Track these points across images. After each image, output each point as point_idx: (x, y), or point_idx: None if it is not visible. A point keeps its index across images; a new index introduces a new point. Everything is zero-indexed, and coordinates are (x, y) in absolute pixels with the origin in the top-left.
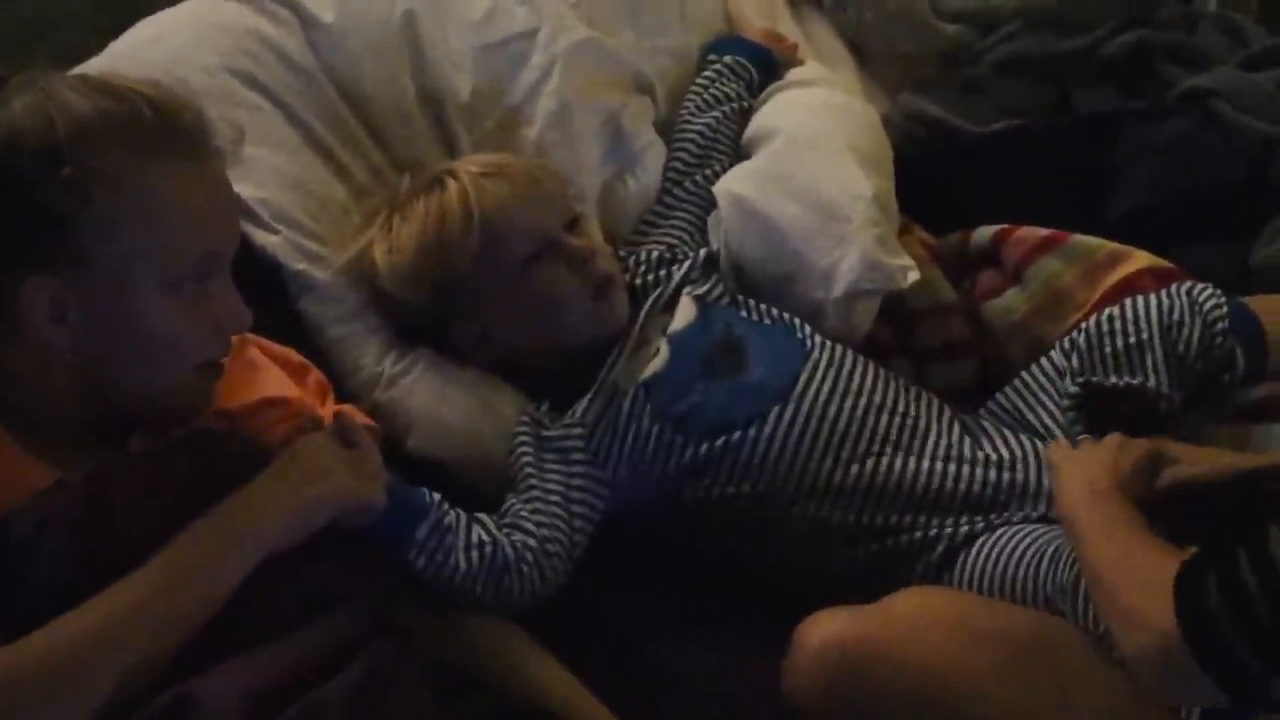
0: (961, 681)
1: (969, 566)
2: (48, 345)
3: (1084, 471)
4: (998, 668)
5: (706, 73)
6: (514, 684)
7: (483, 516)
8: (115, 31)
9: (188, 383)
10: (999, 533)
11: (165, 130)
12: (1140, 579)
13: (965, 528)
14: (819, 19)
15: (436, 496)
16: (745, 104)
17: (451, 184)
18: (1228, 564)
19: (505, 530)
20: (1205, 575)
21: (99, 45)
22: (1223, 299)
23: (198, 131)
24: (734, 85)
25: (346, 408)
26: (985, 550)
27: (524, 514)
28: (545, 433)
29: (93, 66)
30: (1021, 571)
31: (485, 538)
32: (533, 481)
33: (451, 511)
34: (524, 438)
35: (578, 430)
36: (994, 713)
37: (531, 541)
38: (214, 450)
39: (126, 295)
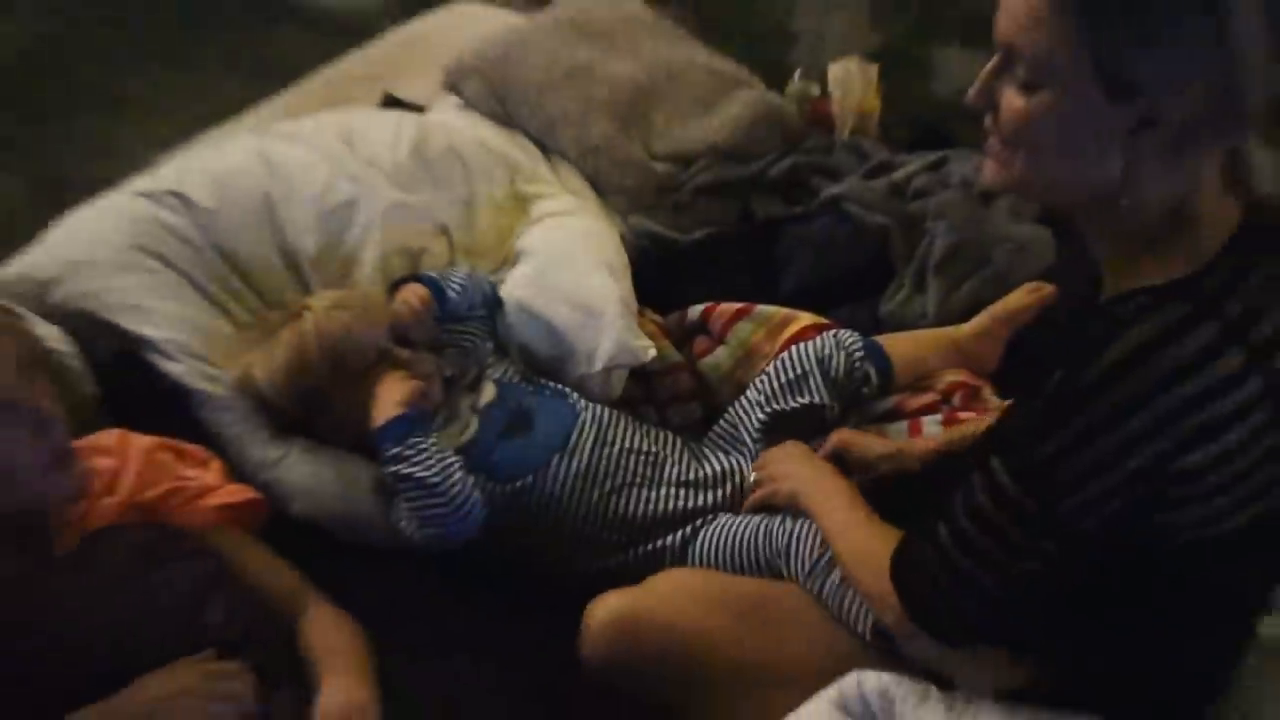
0: (701, 638)
1: (702, 550)
2: None
3: (790, 464)
4: (727, 625)
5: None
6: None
7: None
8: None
9: (46, 484)
10: (719, 521)
11: None
12: (870, 568)
13: (693, 518)
14: (566, 165)
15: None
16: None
17: (307, 317)
18: (923, 550)
19: None
20: (913, 566)
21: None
22: (859, 338)
23: None
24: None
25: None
26: (712, 536)
27: None
28: None
29: (22, 259)
30: (744, 547)
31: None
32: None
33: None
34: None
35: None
36: (729, 654)
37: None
38: (128, 537)
39: None
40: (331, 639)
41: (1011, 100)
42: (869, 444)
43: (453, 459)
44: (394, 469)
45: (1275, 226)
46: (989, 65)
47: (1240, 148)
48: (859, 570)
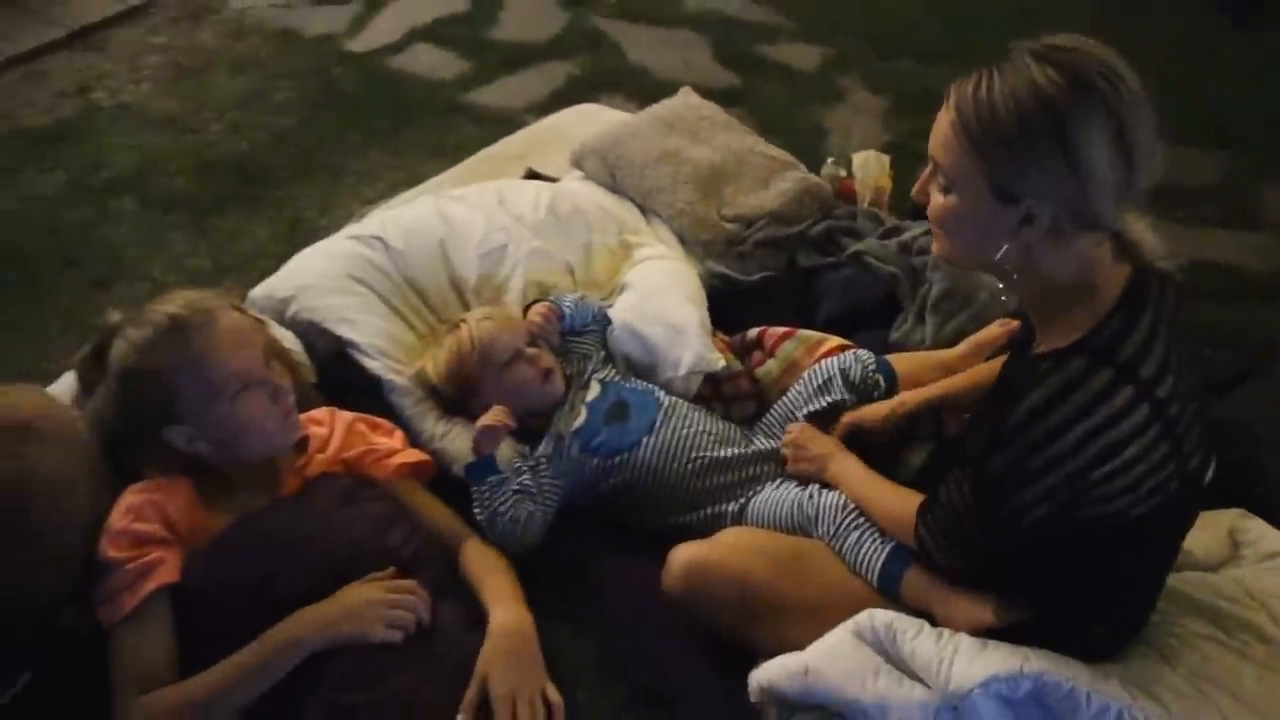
0: (753, 580)
1: (753, 513)
2: (201, 456)
3: (814, 446)
4: (773, 571)
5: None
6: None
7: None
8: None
9: (278, 435)
10: (765, 492)
11: (181, 328)
12: (898, 520)
13: (750, 487)
14: (659, 223)
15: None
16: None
17: (464, 326)
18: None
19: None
20: (928, 522)
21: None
22: (872, 356)
23: (200, 317)
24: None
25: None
26: (760, 503)
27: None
28: (529, 462)
29: (269, 281)
30: (783, 514)
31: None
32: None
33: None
34: (519, 464)
35: (532, 462)
36: (774, 594)
37: (536, 512)
38: (335, 482)
39: (212, 416)
40: (485, 564)
41: (936, 198)
42: (873, 413)
43: (515, 496)
44: (476, 500)
45: (1155, 283)
46: (925, 172)
47: (1122, 228)
48: (888, 520)
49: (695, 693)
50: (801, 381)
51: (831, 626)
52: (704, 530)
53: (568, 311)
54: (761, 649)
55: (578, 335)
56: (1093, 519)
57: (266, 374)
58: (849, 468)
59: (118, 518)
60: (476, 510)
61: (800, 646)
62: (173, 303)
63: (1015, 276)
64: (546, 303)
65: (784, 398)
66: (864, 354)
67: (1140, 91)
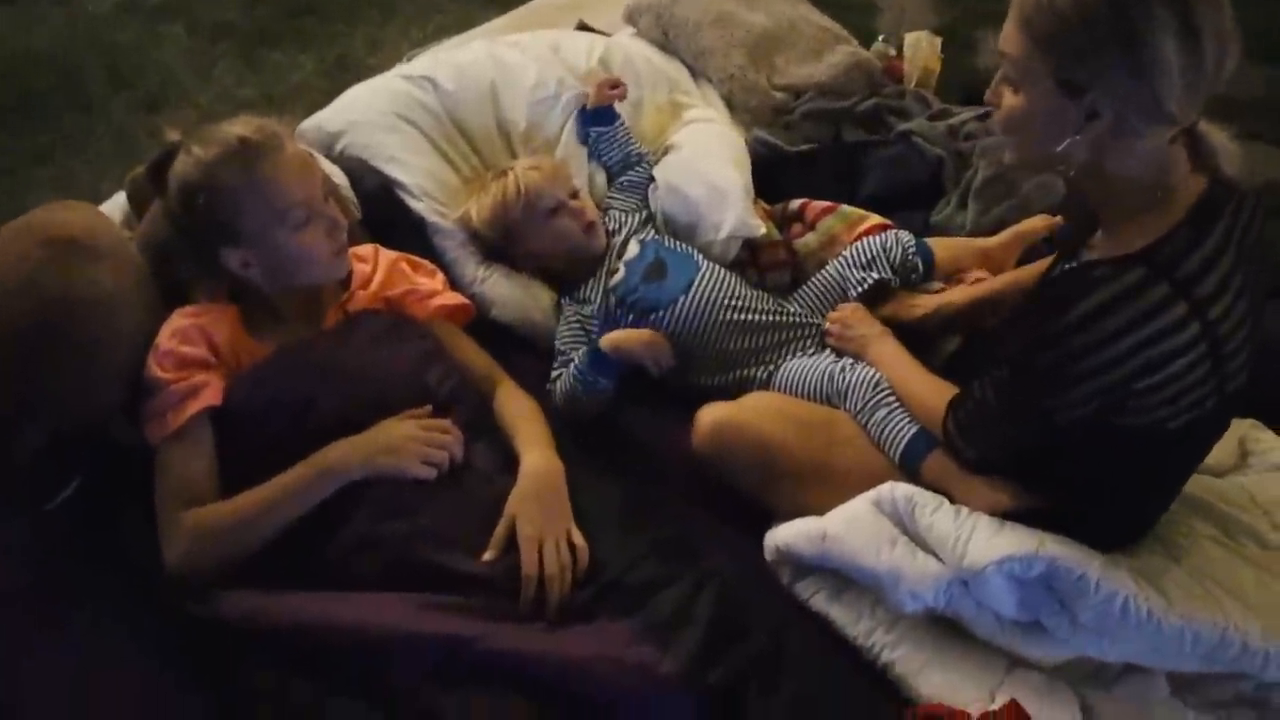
0: (778, 443)
1: (782, 380)
2: (250, 282)
3: (859, 324)
4: (798, 436)
5: (623, 129)
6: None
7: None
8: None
9: (330, 267)
10: (794, 361)
11: (250, 150)
12: (928, 405)
13: (779, 353)
14: (709, 86)
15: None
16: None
17: (510, 174)
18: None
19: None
20: (960, 413)
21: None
22: (913, 237)
23: (270, 141)
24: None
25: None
26: (790, 371)
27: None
28: (580, 306)
29: (320, 114)
30: (813, 384)
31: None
32: (578, 332)
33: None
34: (570, 310)
35: (589, 308)
36: (797, 459)
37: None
38: (376, 319)
39: (272, 241)
40: (519, 409)
41: (1006, 98)
42: (913, 308)
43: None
44: (572, 378)
45: (1229, 197)
46: (999, 73)
47: (1200, 134)
48: (919, 408)
49: (715, 546)
50: (843, 257)
51: (851, 496)
52: (731, 393)
53: (618, 127)
54: (780, 511)
55: (621, 191)
56: (1126, 427)
57: (325, 207)
58: (889, 351)
59: (165, 339)
60: (557, 389)
61: (819, 512)
62: (240, 125)
63: (1085, 178)
64: (617, 89)
65: (823, 271)
66: (904, 235)
67: None
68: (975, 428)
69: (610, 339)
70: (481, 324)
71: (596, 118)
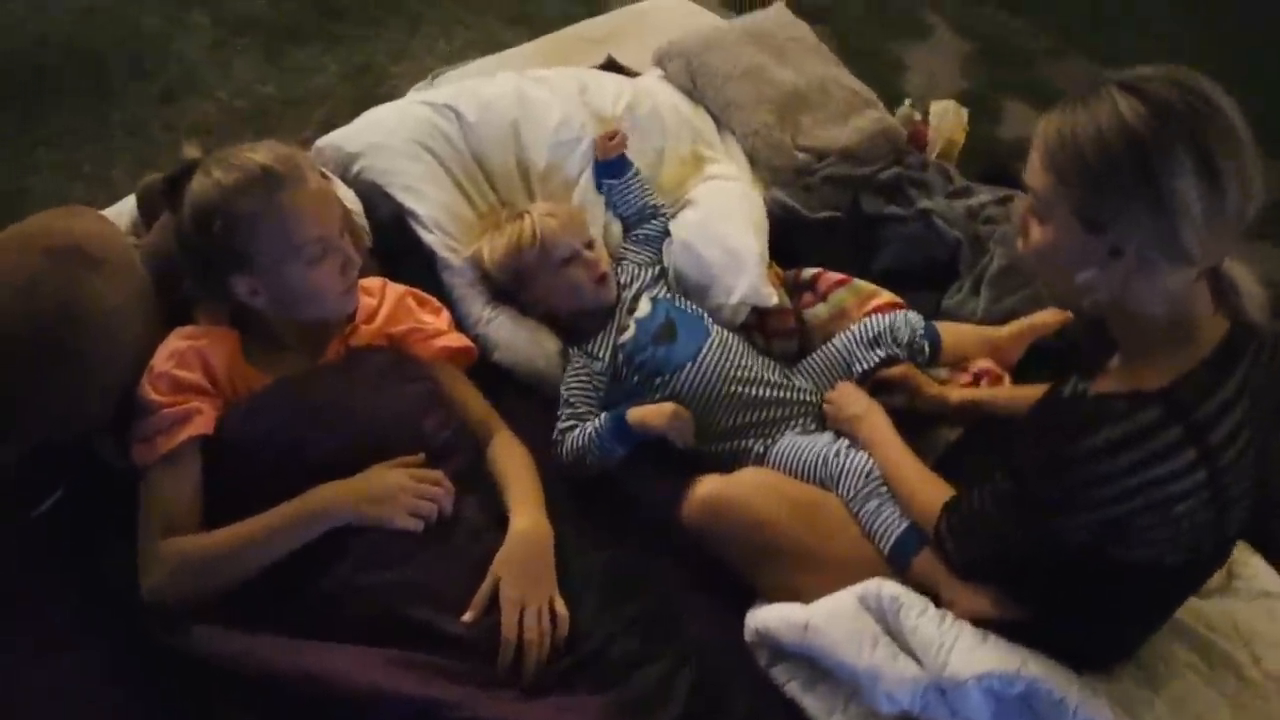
0: (768, 522)
1: (779, 456)
2: (255, 309)
3: (856, 404)
4: (789, 517)
5: (637, 181)
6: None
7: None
8: (359, 107)
9: (338, 304)
10: (792, 438)
11: (272, 181)
12: (919, 502)
13: (779, 428)
14: (732, 140)
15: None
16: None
17: (527, 218)
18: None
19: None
20: (955, 517)
21: (350, 115)
22: (922, 319)
23: (294, 174)
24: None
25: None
26: (787, 448)
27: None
28: (591, 361)
29: (339, 132)
30: (807, 465)
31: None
32: (587, 387)
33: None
34: (579, 361)
35: (599, 364)
36: (787, 540)
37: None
38: (378, 357)
39: (283, 274)
40: (512, 462)
41: (1033, 230)
42: (924, 382)
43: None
44: (581, 442)
45: (1250, 343)
46: (1024, 204)
47: (1225, 275)
48: (907, 498)
49: (699, 618)
50: (851, 333)
51: (838, 583)
52: (727, 461)
53: (631, 179)
54: (766, 590)
55: (635, 244)
56: (1122, 558)
57: (342, 243)
58: (882, 435)
59: (161, 360)
60: (565, 443)
61: (804, 596)
62: (263, 152)
63: (1108, 310)
64: (622, 142)
65: (830, 344)
66: (914, 317)
67: (1234, 119)
68: (969, 536)
69: (638, 415)
70: (483, 366)
71: (608, 170)
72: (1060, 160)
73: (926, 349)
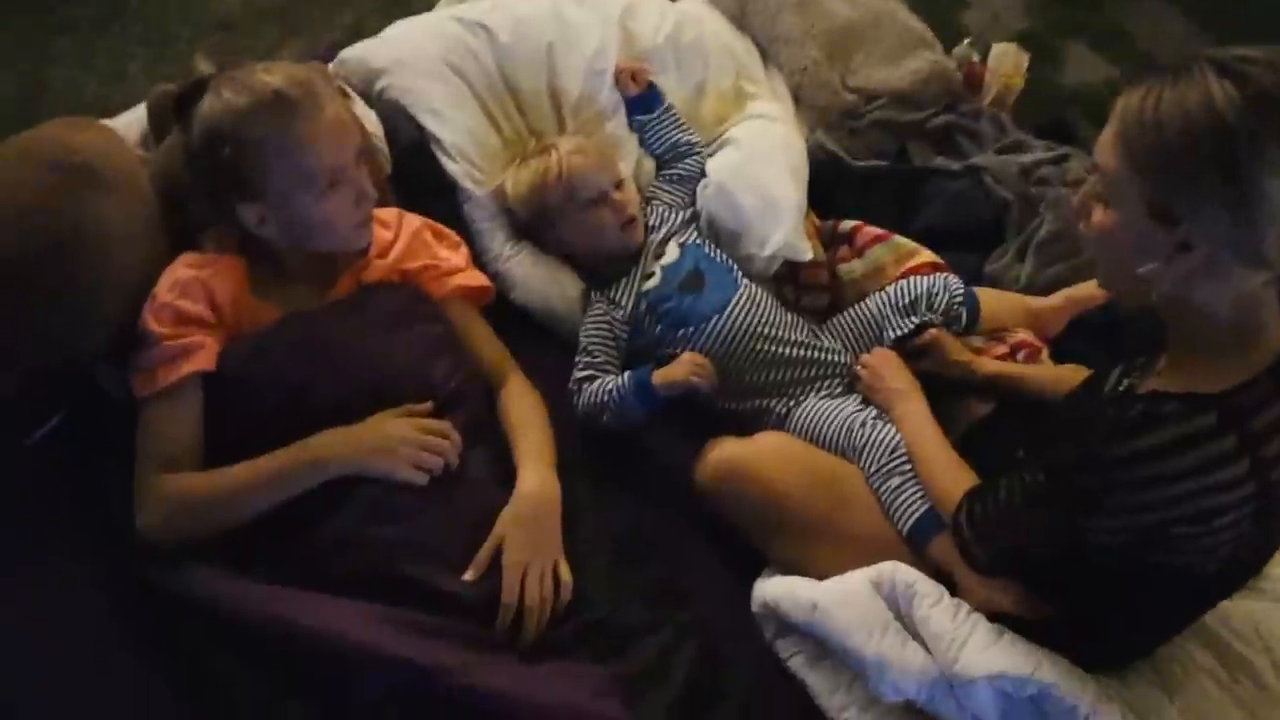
0: (784, 490)
1: (800, 420)
2: (263, 238)
3: (890, 376)
4: (806, 486)
5: (670, 116)
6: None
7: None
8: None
9: (351, 237)
10: (816, 402)
11: (285, 106)
12: (945, 491)
13: (803, 389)
14: (777, 75)
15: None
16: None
17: (553, 154)
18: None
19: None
20: (978, 508)
21: (379, 24)
22: (962, 285)
23: (309, 99)
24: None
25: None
26: (809, 412)
27: (604, 367)
28: (612, 308)
29: (365, 44)
30: (829, 432)
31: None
32: (607, 335)
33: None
34: (600, 307)
35: (620, 313)
36: (802, 512)
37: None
38: (390, 295)
39: (293, 204)
40: (524, 412)
41: (1095, 212)
42: (953, 347)
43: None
44: (600, 400)
45: None
46: (1090, 184)
47: None
48: (932, 486)
49: (706, 585)
50: (885, 295)
51: (852, 559)
52: (747, 420)
53: (664, 114)
54: (777, 560)
55: (668, 183)
56: (1154, 564)
57: (357, 174)
58: (916, 414)
59: (164, 289)
60: (582, 395)
61: (815, 569)
62: (278, 74)
63: (1167, 306)
64: (646, 70)
65: (863, 304)
66: (953, 282)
67: None
68: (992, 530)
69: (665, 375)
70: (501, 304)
71: (638, 104)
72: (1137, 142)
73: (964, 316)
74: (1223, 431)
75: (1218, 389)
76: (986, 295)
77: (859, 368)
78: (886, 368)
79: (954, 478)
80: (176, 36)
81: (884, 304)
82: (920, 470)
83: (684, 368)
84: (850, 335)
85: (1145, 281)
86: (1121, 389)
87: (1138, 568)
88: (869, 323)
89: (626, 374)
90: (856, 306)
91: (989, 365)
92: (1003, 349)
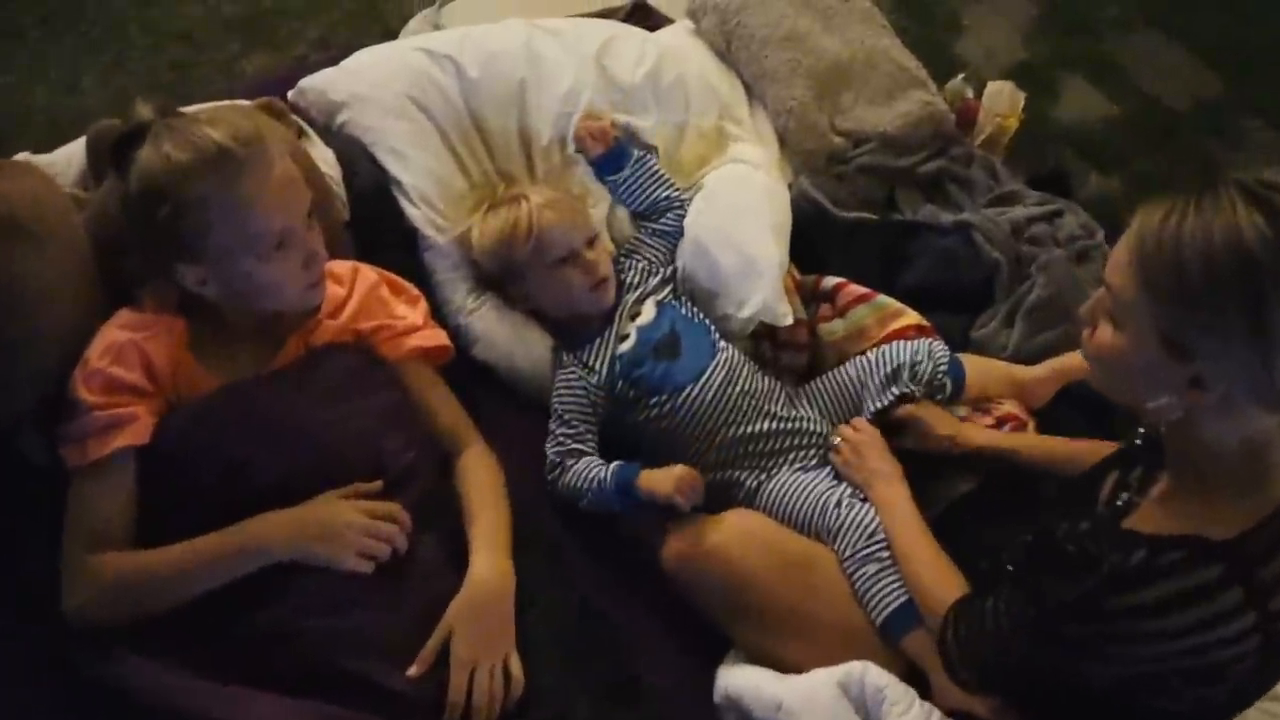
0: (753, 575)
1: (772, 496)
2: (205, 299)
3: (871, 457)
4: (775, 571)
5: (645, 170)
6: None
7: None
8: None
9: (298, 299)
10: (788, 476)
11: (229, 164)
12: (930, 594)
13: (776, 461)
14: (762, 115)
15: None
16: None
17: (525, 205)
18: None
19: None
20: (963, 624)
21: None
22: (947, 353)
23: (254, 156)
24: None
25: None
26: (781, 488)
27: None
28: (586, 373)
29: (326, 75)
30: (800, 512)
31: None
32: (583, 401)
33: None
34: (574, 371)
35: (595, 378)
36: (771, 601)
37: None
38: (340, 360)
39: (236, 267)
40: (481, 486)
41: (1102, 330)
42: (936, 422)
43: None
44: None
45: None
46: (1099, 298)
47: None
48: (914, 584)
49: (663, 684)
50: (866, 360)
51: (821, 650)
52: (717, 492)
53: (637, 171)
54: (743, 646)
55: (653, 235)
56: (1148, 707)
57: (308, 235)
58: (897, 501)
59: (96, 355)
60: (563, 475)
61: (783, 658)
62: (222, 127)
63: (1172, 434)
64: (608, 128)
65: (843, 370)
66: (938, 350)
67: None
68: (975, 649)
69: (650, 484)
70: (462, 360)
71: (605, 166)
72: (1154, 268)
73: (948, 386)
74: (1229, 584)
75: (1222, 534)
76: (972, 364)
77: (838, 441)
78: (868, 447)
79: (937, 577)
80: (134, 46)
81: (864, 371)
82: (902, 565)
83: (670, 484)
84: (828, 402)
85: (1150, 412)
86: (1120, 503)
87: (1133, 705)
88: (848, 390)
89: (611, 469)
90: (835, 372)
91: (977, 437)
92: (988, 420)
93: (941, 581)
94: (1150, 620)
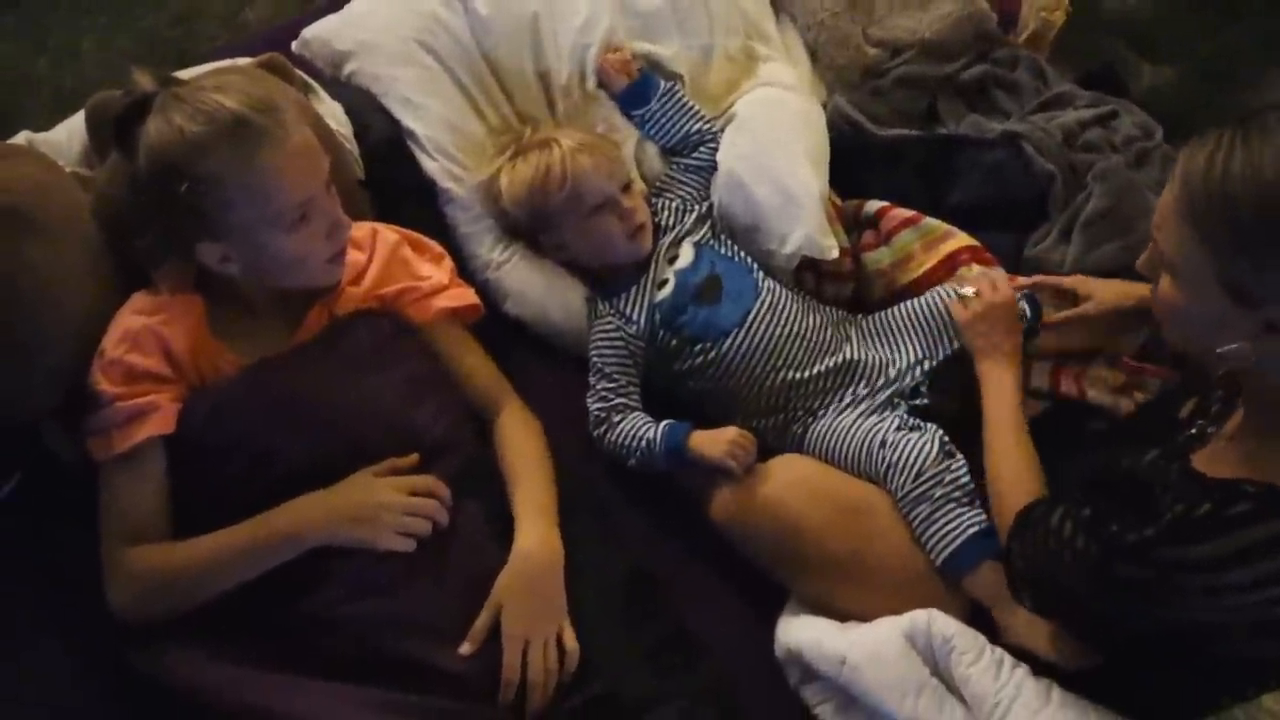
0: (804, 524)
1: (817, 438)
2: (229, 275)
3: (1006, 329)
4: (828, 518)
5: (673, 103)
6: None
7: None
8: None
9: (323, 273)
10: (832, 416)
11: (247, 135)
12: (1007, 503)
13: (825, 399)
14: (792, 30)
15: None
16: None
17: (556, 149)
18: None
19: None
20: (1024, 534)
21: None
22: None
23: (273, 125)
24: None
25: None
26: (828, 430)
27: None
28: (624, 324)
29: (330, 23)
30: (852, 451)
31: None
32: (623, 353)
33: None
34: (610, 321)
35: (633, 328)
36: (825, 548)
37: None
38: (365, 329)
39: (260, 242)
40: (522, 448)
41: (1163, 284)
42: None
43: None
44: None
45: None
46: (1151, 248)
47: None
48: (997, 491)
49: (722, 642)
50: (925, 305)
51: (882, 596)
52: (765, 439)
53: (664, 103)
54: (800, 597)
55: (684, 170)
56: (1209, 654)
57: (329, 203)
58: (1006, 385)
59: (113, 343)
60: (608, 432)
61: (842, 607)
62: (234, 95)
63: (1246, 378)
64: (630, 59)
65: (906, 308)
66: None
67: None
68: (1036, 570)
69: (700, 447)
70: (493, 317)
71: (630, 100)
72: (1205, 214)
73: (1027, 311)
74: None
75: None
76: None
77: (970, 292)
78: (999, 317)
79: (1018, 476)
80: (138, 13)
81: (923, 312)
82: (985, 456)
83: (723, 446)
84: (883, 339)
85: (1225, 359)
86: (1194, 430)
87: (1195, 650)
88: (912, 325)
89: (661, 430)
90: (894, 309)
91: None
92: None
93: (1021, 482)
94: (1215, 573)
